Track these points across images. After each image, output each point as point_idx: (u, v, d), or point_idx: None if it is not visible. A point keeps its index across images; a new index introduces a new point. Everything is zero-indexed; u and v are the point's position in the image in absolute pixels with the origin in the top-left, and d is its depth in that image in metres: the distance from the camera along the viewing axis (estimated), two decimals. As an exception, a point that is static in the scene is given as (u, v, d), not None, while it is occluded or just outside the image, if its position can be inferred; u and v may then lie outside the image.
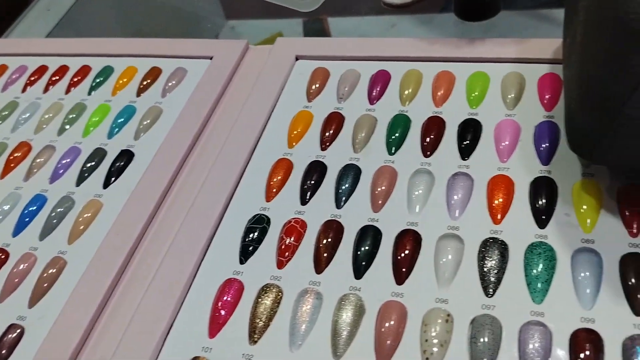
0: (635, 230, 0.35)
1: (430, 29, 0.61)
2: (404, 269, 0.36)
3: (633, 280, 0.33)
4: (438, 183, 0.40)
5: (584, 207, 0.36)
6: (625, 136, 0.31)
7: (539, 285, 0.34)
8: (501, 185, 0.39)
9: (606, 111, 0.30)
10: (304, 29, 0.71)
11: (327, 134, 0.46)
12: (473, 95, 0.46)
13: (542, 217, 0.37)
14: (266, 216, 0.41)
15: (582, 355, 0.31)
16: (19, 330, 0.38)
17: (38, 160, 0.50)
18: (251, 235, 0.40)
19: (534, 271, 0.34)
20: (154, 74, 0.55)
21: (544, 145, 0.40)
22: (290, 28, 0.71)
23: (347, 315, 0.34)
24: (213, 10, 0.83)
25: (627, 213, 0.36)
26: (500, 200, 0.38)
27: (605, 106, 0.30)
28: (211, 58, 0.55)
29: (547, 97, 0.43)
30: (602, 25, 0.30)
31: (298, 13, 0.67)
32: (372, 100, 0.48)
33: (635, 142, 0.31)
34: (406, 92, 0.47)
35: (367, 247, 0.37)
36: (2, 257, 0.43)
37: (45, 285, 0.40)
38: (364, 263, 0.37)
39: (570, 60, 0.36)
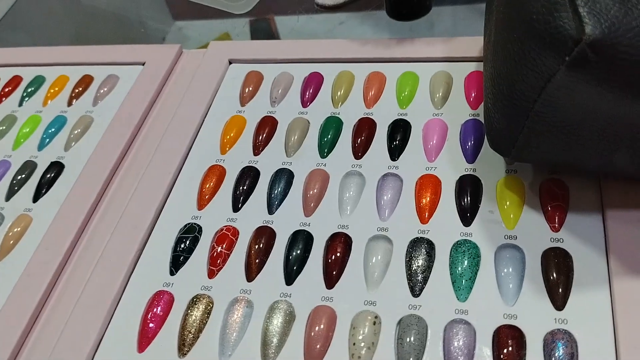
0: (557, 225, 0.36)
1: (378, 25, 0.61)
2: (334, 273, 0.36)
3: (554, 275, 0.34)
4: (369, 184, 0.41)
5: (507, 203, 0.37)
6: (539, 133, 0.32)
7: (464, 282, 0.34)
8: (429, 185, 0.39)
9: (518, 110, 0.31)
10: (251, 29, 0.71)
11: (259, 138, 0.46)
12: (403, 95, 0.46)
13: (467, 214, 0.37)
14: (198, 225, 0.41)
15: (504, 351, 0.31)
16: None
17: (-35, 177, 0.48)
18: (182, 245, 0.40)
19: (459, 269, 0.35)
20: (85, 82, 0.55)
21: (469, 144, 0.41)
22: (238, 28, 0.70)
23: (277, 323, 0.35)
24: (160, 12, 0.82)
25: (549, 208, 0.37)
26: (428, 199, 0.39)
27: (517, 105, 0.31)
28: (143, 64, 0.55)
29: (473, 95, 0.44)
30: (511, 25, 0.31)
31: (245, 13, 0.67)
32: (305, 103, 0.48)
33: (549, 139, 0.32)
34: (338, 93, 0.48)
35: (298, 252, 0.38)
36: None
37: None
38: (295, 268, 0.37)
39: (486, 59, 0.37)
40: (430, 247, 0.36)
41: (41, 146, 0.49)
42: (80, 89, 0.54)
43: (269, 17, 0.68)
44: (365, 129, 0.44)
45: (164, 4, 0.82)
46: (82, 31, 0.77)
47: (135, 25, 0.80)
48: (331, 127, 0.45)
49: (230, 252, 0.39)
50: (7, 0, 0.78)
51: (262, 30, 0.69)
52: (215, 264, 0.38)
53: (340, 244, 0.37)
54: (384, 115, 0.45)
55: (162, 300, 0.37)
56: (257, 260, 0.38)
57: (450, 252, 0.36)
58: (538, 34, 0.28)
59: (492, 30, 0.35)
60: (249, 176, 0.43)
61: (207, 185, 0.43)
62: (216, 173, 0.44)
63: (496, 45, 0.34)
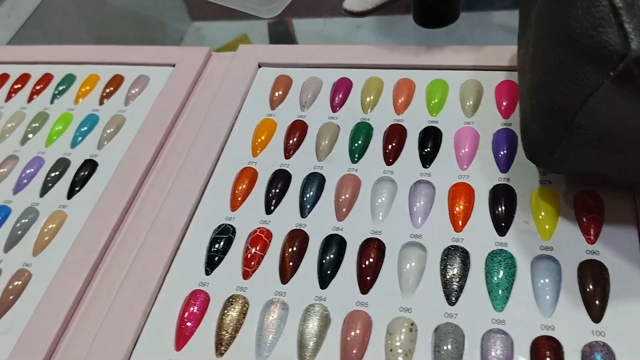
0: (592, 237, 0.36)
1: (395, 32, 0.62)
2: (368, 278, 0.37)
3: (591, 287, 0.34)
4: (401, 191, 0.41)
5: (542, 214, 0.37)
6: (578, 145, 0.32)
7: (500, 292, 0.35)
8: (462, 193, 0.40)
9: (558, 122, 0.31)
10: (269, 31, 0.72)
11: (290, 142, 0.46)
12: (433, 102, 0.46)
13: (501, 224, 0.38)
14: (231, 226, 0.41)
15: (542, 362, 0.32)
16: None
17: (1, 170, 0.49)
18: (216, 246, 0.40)
19: (495, 279, 0.35)
20: (116, 81, 0.55)
21: (502, 153, 0.41)
22: (255, 30, 0.71)
23: (313, 326, 0.35)
24: (178, 13, 0.82)
25: (584, 220, 0.37)
26: (461, 207, 0.39)
27: (557, 117, 0.31)
28: (173, 65, 0.55)
29: (504, 104, 0.45)
30: (552, 38, 0.31)
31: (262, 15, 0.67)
32: (335, 107, 0.48)
33: (587, 151, 0.32)
34: (367, 99, 0.48)
35: (331, 256, 0.38)
36: (-34, 271, 0.42)
37: (11, 297, 0.40)
38: (328, 272, 0.37)
39: (523, 71, 0.38)
40: (465, 255, 0.36)
41: (74, 144, 0.50)
42: (112, 88, 0.55)
43: (287, 20, 0.69)
44: (396, 136, 0.45)
45: (182, 4, 0.83)
46: (102, 30, 0.78)
47: (153, 25, 0.80)
48: (361, 133, 0.45)
49: (264, 254, 0.39)
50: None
51: (280, 32, 0.70)
52: (249, 265, 0.39)
53: (373, 249, 0.38)
54: (414, 122, 0.45)
55: (198, 300, 0.37)
56: (290, 263, 0.38)
57: (486, 262, 0.36)
58: (581, 48, 0.28)
59: (530, 42, 0.36)
60: (280, 179, 0.44)
61: (240, 187, 0.44)
62: (248, 175, 0.44)
63: (535, 57, 0.34)
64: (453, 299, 0.35)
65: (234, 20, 0.74)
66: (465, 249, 0.37)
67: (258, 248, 0.39)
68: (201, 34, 0.79)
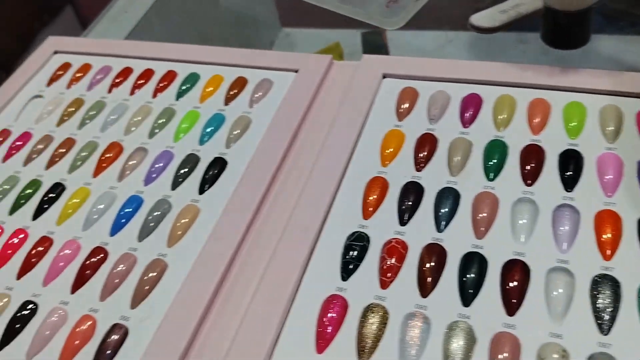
0: None
1: (487, 49, 0.61)
2: (514, 300, 0.36)
3: None
4: (543, 213, 0.40)
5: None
6: None
7: (656, 325, 0.33)
8: (609, 221, 0.39)
9: None
10: (362, 41, 0.72)
11: (420, 155, 0.46)
12: (571, 125, 0.45)
13: (653, 255, 0.36)
14: (366, 234, 0.41)
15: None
16: (122, 330, 0.39)
17: (131, 162, 0.50)
18: (352, 253, 0.40)
19: (650, 311, 0.34)
20: (240, 83, 0.56)
21: (649, 182, 0.40)
22: (346, 39, 0.71)
23: (458, 344, 0.34)
24: (269, 17, 0.84)
25: None
26: (609, 235, 0.38)
27: None
28: (296, 71, 0.56)
29: (648, 133, 0.43)
30: None
31: (355, 25, 0.67)
32: (465, 123, 0.48)
33: None
34: (500, 117, 0.47)
35: (473, 275, 0.37)
36: (102, 255, 0.43)
37: (147, 287, 0.41)
38: (471, 291, 0.37)
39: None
40: (616, 285, 0.35)
41: (202, 141, 0.51)
42: (236, 90, 0.55)
43: (380, 30, 0.68)
44: (534, 156, 0.44)
45: (274, 9, 0.84)
46: (203, 30, 0.80)
47: (246, 29, 0.82)
48: (496, 151, 0.45)
49: (401, 265, 0.39)
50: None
51: (373, 42, 0.70)
52: (386, 275, 0.38)
53: (518, 271, 0.37)
54: (552, 143, 0.44)
55: (337, 305, 0.37)
56: (430, 277, 0.38)
57: (638, 293, 0.35)
58: None
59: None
60: (413, 191, 0.43)
61: (371, 196, 0.44)
62: (379, 185, 0.44)
63: None
64: (606, 328, 0.34)
65: (324, 29, 0.74)
66: (615, 279, 0.36)
67: (394, 259, 0.39)
68: (291, 40, 0.79)
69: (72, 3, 1.57)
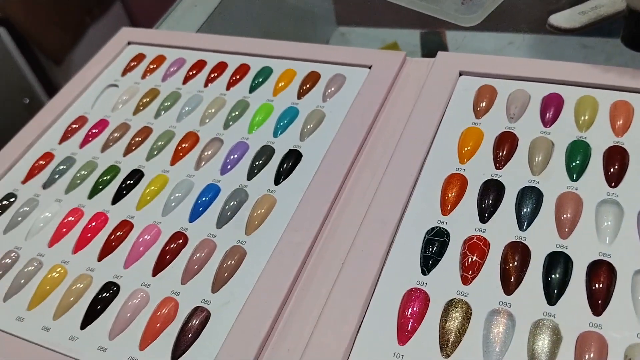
0: None
1: (550, 51, 0.60)
2: (600, 301, 0.35)
3: None
4: (628, 216, 0.39)
5: None
6: None
7: None
8: (698, 224, 0.37)
9: None
10: (422, 41, 0.71)
11: (500, 153, 0.45)
12: (656, 128, 0.44)
13: None
14: (445, 230, 0.41)
15: None
16: (204, 314, 0.39)
17: (207, 152, 0.51)
18: (432, 248, 0.40)
19: None
20: (313, 78, 0.56)
21: None
22: (402, 39, 0.71)
23: (544, 342, 0.34)
24: (325, 15, 0.84)
25: None
26: (699, 241, 0.37)
27: None
28: (370, 67, 0.56)
29: None
30: None
31: (412, 24, 0.67)
32: (546, 123, 0.47)
33: None
34: (582, 118, 0.46)
35: (558, 274, 0.37)
36: (181, 240, 0.44)
37: (227, 273, 0.41)
38: (556, 290, 0.36)
39: None
40: None
41: (276, 133, 0.51)
42: (309, 85, 0.56)
43: (440, 31, 0.68)
44: (617, 158, 0.43)
45: (331, 7, 0.84)
46: (268, 25, 0.80)
47: (303, 26, 0.82)
48: (579, 151, 0.44)
49: (483, 262, 0.38)
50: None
51: (433, 42, 0.69)
52: (468, 271, 0.38)
53: (604, 272, 0.36)
54: (636, 145, 0.43)
55: (418, 298, 0.37)
56: (514, 275, 0.37)
57: None
58: None
59: None
60: (493, 189, 0.43)
61: (450, 193, 0.43)
62: (458, 181, 0.44)
63: None
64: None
65: (380, 28, 0.74)
66: None
67: (476, 256, 0.39)
68: (346, 38, 0.79)
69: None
